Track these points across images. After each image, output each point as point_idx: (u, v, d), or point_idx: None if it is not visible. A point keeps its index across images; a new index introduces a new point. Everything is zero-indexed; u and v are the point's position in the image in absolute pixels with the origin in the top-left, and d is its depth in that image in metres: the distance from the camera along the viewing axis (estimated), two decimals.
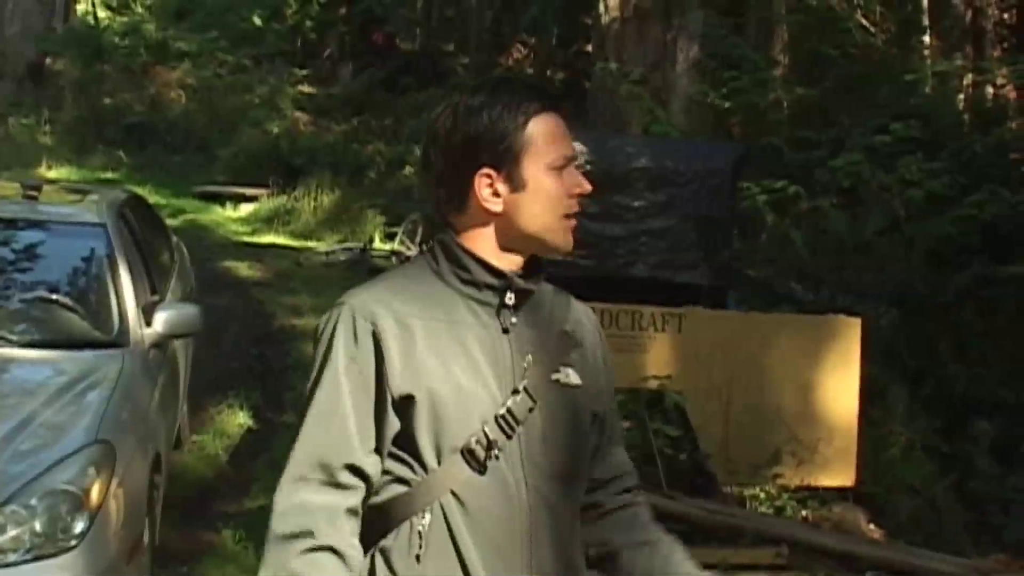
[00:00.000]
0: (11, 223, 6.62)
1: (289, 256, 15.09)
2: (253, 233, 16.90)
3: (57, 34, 24.07)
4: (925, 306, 10.48)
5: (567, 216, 2.46)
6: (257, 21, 24.65)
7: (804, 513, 7.94)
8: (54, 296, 6.04)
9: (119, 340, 5.80)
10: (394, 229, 15.48)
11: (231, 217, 17.96)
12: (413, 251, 13.48)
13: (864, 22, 14.56)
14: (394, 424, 2.38)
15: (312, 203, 17.50)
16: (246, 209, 18.11)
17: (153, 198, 13.94)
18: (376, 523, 2.40)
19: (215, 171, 19.88)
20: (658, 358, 8.10)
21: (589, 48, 18.42)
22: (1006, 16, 16.25)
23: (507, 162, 2.42)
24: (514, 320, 2.45)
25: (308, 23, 24.70)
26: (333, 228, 16.87)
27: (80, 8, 26.02)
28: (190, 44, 23.81)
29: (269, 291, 13.06)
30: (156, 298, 6.46)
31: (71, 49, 23.54)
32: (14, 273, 6.33)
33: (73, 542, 4.56)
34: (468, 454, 2.36)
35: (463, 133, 2.44)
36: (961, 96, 14.22)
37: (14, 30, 23.76)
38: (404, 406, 2.36)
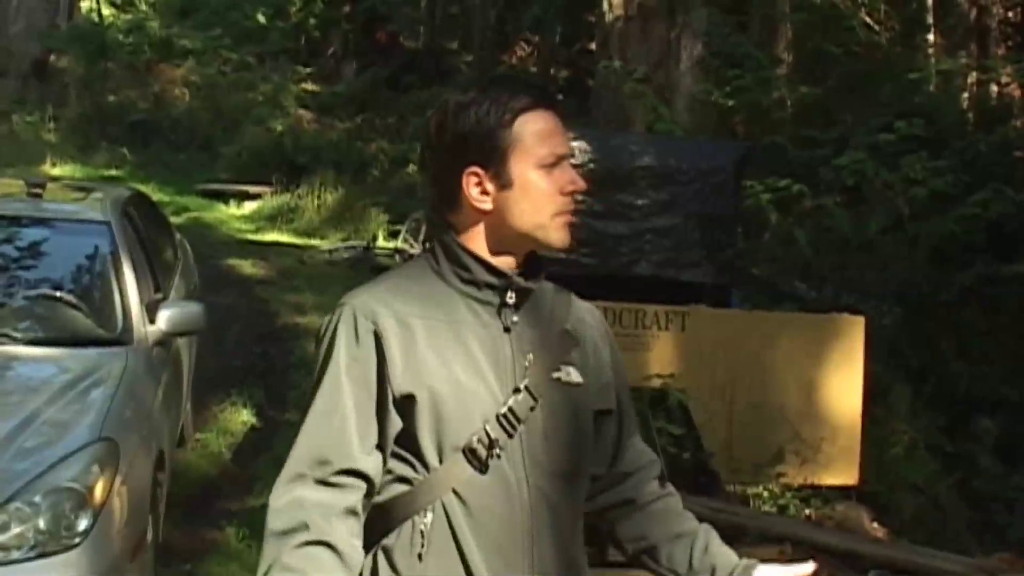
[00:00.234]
0: (15, 220, 6.63)
1: (292, 254, 15.10)
2: (257, 231, 16.92)
3: (61, 31, 24.08)
4: (929, 305, 10.47)
5: (560, 213, 2.45)
6: (261, 19, 24.65)
7: (807, 512, 7.94)
8: (58, 294, 6.05)
9: (123, 338, 5.81)
10: (398, 227, 15.48)
11: (234, 215, 17.97)
12: (416, 249, 13.48)
13: (868, 20, 14.54)
14: (396, 423, 2.38)
15: (316, 201, 17.51)
16: (250, 207, 18.12)
17: (157, 196, 13.94)
18: (378, 522, 2.41)
19: (219, 169, 19.90)
20: (661, 356, 8.10)
21: (593, 46, 18.42)
22: (1010, 14, 16.25)
23: (494, 160, 2.42)
24: (515, 319, 2.45)
25: (312, 21, 24.71)
26: (337, 226, 16.88)
27: (84, 5, 26.03)
28: (194, 42, 23.82)
29: (272, 289, 13.07)
30: (160, 296, 6.47)
31: (75, 46, 23.55)
32: (18, 271, 6.33)
33: (77, 540, 4.57)
34: (470, 453, 2.36)
35: (452, 132, 2.44)
36: (965, 94, 14.22)
37: (18, 27, 23.79)
38: (405, 405, 2.37)
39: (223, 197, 18.51)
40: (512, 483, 2.38)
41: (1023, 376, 9.92)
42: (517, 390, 2.41)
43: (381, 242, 15.69)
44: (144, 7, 26.34)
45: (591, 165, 8.92)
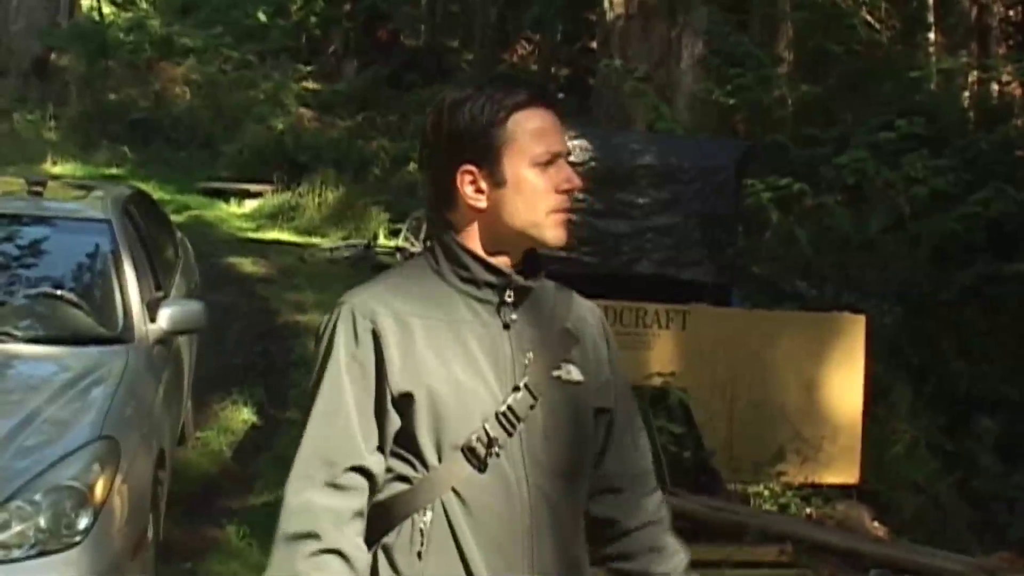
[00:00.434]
0: (16, 219, 6.63)
1: (293, 252, 15.09)
2: (257, 229, 16.91)
3: (62, 30, 24.08)
4: (929, 303, 10.47)
5: (555, 211, 2.44)
6: (262, 17, 24.64)
7: (808, 510, 7.94)
8: (59, 292, 6.04)
9: (123, 336, 5.80)
10: (398, 225, 15.48)
11: (235, 213, 17.97)
12: (417, 247, 13.47)
13: (869, 19, 14.55)
14: (395, 422, 2.38)
15: (316, 199, 17.50)
16: (250, 205, 18.12)
17: (157, 194, 13.94)
18: (379, 520, 2.41)
19: (219, 167, 19.90)
20: (662, 355, 8.10)
21: (594, 45, 18.42)
22: (1011, 13, 16.25)
23: (488, 158, 2.41)
24: (514, 317, 2.45)
25: (312, 19, 24.69)
26: (337, 224, 16.87)
27: (85, 4, 26.02)
28: (195, 40, 23.81)
29: (273, 287, 13.06)
30: (160, 294, 6.46)
31: (76, 45, 23.55)
32: (19, 269, 6.33)
33: (77, 538, 4.57)
34: (469, 452, 2.36)
35: (447, 129, 2.44)
36: (966, 93, 14.22)
37: (19, 26, 23.80)
38: (404, 404, 2.37)
39: (224, 195, 18.50)
40: (512, 482, 2.38)
41: (1023, 375, 9.92)
42: (516, 388, 2.40)
43: (382, 240, 15.69)
44: (145, 5, 26.33)
45: (592, 164, 8.92)
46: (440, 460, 2.37)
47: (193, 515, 7.03)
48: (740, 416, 7.98)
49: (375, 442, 2.39)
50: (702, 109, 13.99)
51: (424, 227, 13.51)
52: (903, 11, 15.45)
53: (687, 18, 14.52)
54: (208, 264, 11.22)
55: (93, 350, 5.65)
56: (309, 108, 22.16)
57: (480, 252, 2.44)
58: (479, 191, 2.43)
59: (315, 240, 16.21)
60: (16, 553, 4.49)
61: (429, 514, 2.36)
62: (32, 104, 22.48)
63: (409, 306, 2.41)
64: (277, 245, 15.63)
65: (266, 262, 14.34)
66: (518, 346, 2.44)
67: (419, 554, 2.36)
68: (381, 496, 2.41)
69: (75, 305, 5.97)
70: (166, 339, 6.14)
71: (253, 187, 18.39)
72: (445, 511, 2.36)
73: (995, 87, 14.47)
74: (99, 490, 4.69)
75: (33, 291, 6.12)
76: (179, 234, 8.68)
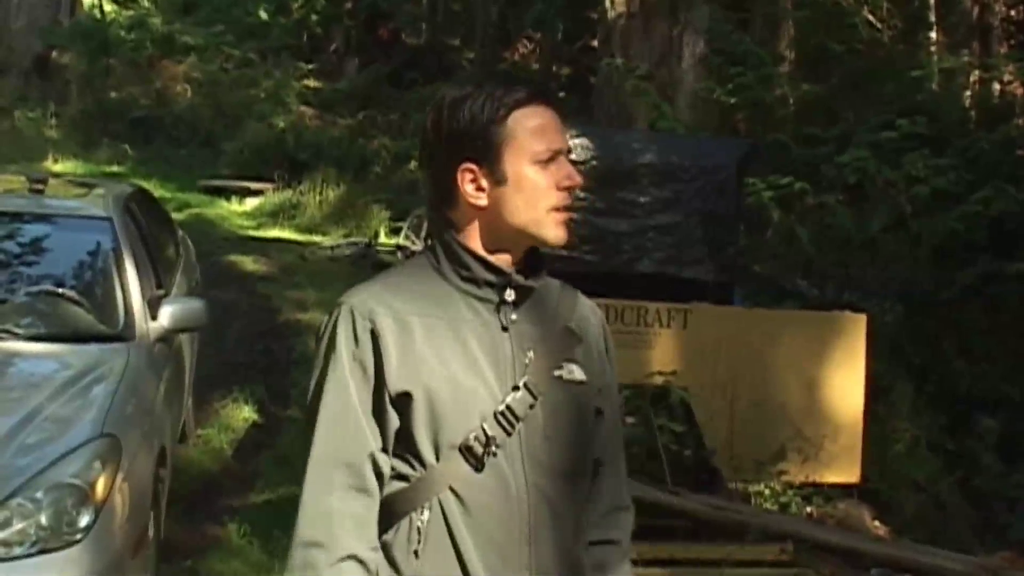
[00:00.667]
0: (17, 216, 6.63)
1: (294, 250, 15.10)
2: (258, 227, 16.92)
3: (63, 28, 24.09)
4: (930, 303, 10.47)
5: (556, 209, 2.43)
6: (263, 15, 24.65)
7: (809, 510, 7.94)
8: (60, 290, 6.04)
9: (124, 334, 5.81)
10: (399, 224, 15.49)
11: (236, 211, 17.98)
12: (418, 246, 13.47)
13: (870, 18, 14.53)
14: (395, 421, 2.39)
15: (317, 197, 17.51)
16: (251, 203, 18.13)
17: (158, 192, 13.94)
18: (379, 518, 2.41)
19: (220, 165, 19.92)
20: (663, 354, 8.10)
21: (595, 44, 18.41)
22: (1013, 12, 16.23)
23: (488, 156, 2.41)
24: (514, 317, 2.45)
25: (314, 17, 24.70)
26: (338, 222, 16.88)
27: (86, 2, 26.01)
28: (196, 38, 23.82)
29: (274, 285, 13.07)
30: (162, 292, 6.46)
31: (77, 43, 23.56)
32: (20, 266, 6.33)
33: (78, 536, 4.57)
34: (467, 451, 2.36)
35: (447, 128, 2.44)
36: (967, 92, 14.20)
37: (20, 24, 23.81)
38: (402, 404, 2.37)
39: (225, 193, 18.51)
40: (510, 481, 2.38)
41: None
42: (516, 388, 2.40)
43: (383, 239, 15.70)
44: (146, 3, 26.32)
45: (593, 162, 8.92)
46: (438, 459, 2.37)
47: (194, 513, 7.03)
48: (741, 415, 7.97)
49: (380, 442, 2.40)
50: (703, 108, 13.98)
51: (425, 225, 13.53)
52: (904, 10, 15.43)
53: (688, 17, 14.51)
54: (209, 262, 11.23)
55: (94, 348, 5.65)
56: (310, 106, 22.17)
57: (480, 251, 2.44)
58: (480, 189, 2.43)
59: (316, 238, 16.22)
60: (17, 551, 4.49)
61: (427, 513, 2.36)
62: (33, 102, 22.49)
63: (409, 305, 2.41)
64: (278, 243, 15.64)
65: (267, 260, 14.35)
66: (518, 345, 2.44)
67: (416, 552, 2.36)
68: (382, 494, 2.41)
69: (76, 303, 5.97)
70: (167, 337, 6.14)
71: (254, 185, 18.41)
72: (443, 510, 2.36)
73: (996, 86, 14.45)
74: (100, 488, 4.69)
75: (34, 289, 6.12)
76: (180, 232, 8.68)
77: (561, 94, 18.98)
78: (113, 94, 22.82)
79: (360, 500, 2.37)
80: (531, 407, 2.40)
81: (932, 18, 14.96)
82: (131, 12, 25.68)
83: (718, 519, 7.12)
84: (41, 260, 6.44)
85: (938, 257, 10.75)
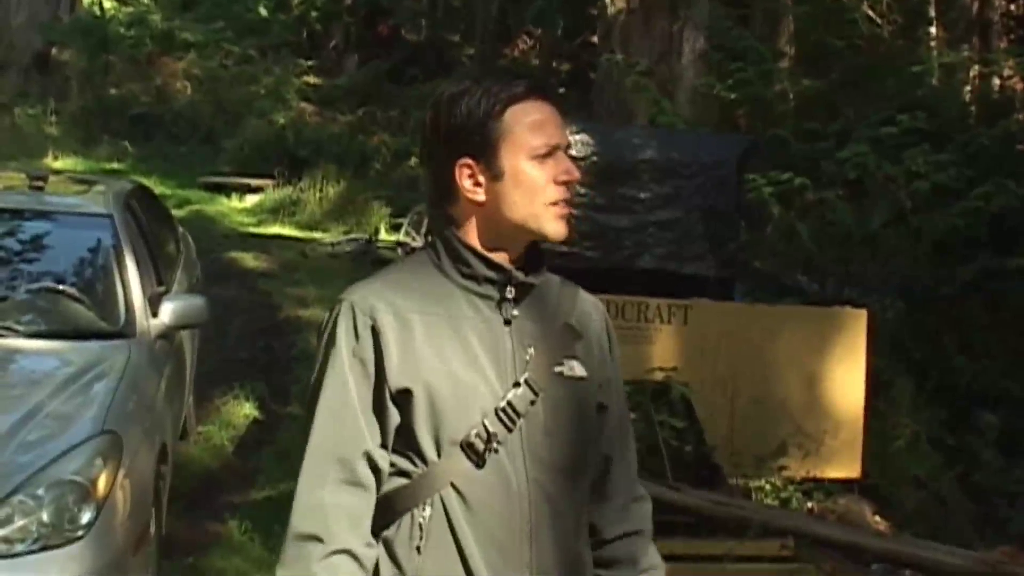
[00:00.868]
0: (17, 213, 6.63)
1: (295, 247, 15.10)
2: (259, 224, 16.91)
3: (63, 24, 24.07)
4: (931, 298, 10.47)
5: (554, 204, 2.43)
6: (263, 12, 24.64)
7: (810, 505, 7.94)
8: (60, 287, 6.05)
9: (125, 331, 5.81)
10: (400, 220, 15.48)
11: (236, 208, 17.97)
12: (418, 242, 13.47)
13: (870, 13, 14.53)
14: (395, 418, 2.39)
15: (318, 194, 17.50)
16: (252, 200, 18.12)
17: (159, 189, 13.93)
18: (380, 514, 2.41)
19: (221, 162, 19.90)
20: (664, 350, 8.10)
21: (595, 39, 18.40)
22: (1013, 7, 16.23)
23: (485, 151, 2.41)
24: (515, 313, 2.45)
25: (314, 14, 24.69)
26: (339, 219, 16.87)
27: None
28: (196, 35, 23.80)
29: (275, 282, 13.07)
30: (162, 289, 6.47)
31: (77, 39, 23.55)
32: (20, 263, 6.34)
33: (80, 532, 4.57)
34: (467, 447, 2.37)
35: (444, 124, 2.44)
36: (968, 88, 14.21)
37: (20, 20, 23.79)
38: (403, 400, 2.37)
39: (225, 190, 18.50)
40: (511, 478, 2.38)
41: None
42: (517, 384, 2.40)
43: (383, 235, 15.69)
44: (146, 0, 26.33)
45: (593, 158, 8.92)
46: (439, 456, 2.37)
47: (195, 510, 7.04)
48: (742, 411, 7.97)
49: (379, 438, 2.40)
50: (703, 104, 13.97)
51: (425, 222, 13.54)
52: (904, 5, 15.43)
53: (688, 12, 14.50)
54: (209, 259, 11.23)
55: (95, 345, 5.65)
56: (310, 103, 22.15)
57: (480, 247, 2.44)
58: (477, 185, 2.43)
59: (316, 235, 16.22)
60: (19, 548, 4.49)
61: (428, 509, 2.37)
62: (33, 99, 22.48)
63: (409, 302, 2.41)
64: (278, 240, 15.64)
65: (267, 257, 14.35)
66: (519, 342, 2.44)
67: (418, 548, 2.37)
68: (383, 490, 2.41)
69: (77, 300, 5.98)
70: (168, 334, 6.15)
71: (254, 182, 18.39)
72: (444, 506, 2.37)
73: (996, 82, 14.46)
74: (101, 485, 4.70)
75: (35, 286, 6.13)
76: (180, 229, 8.68)
77: (561, 90, 18.95)
78: (113, 91, 22.81)
79: (354, 495, 2.37)
80: (532, 403, 2.40)
81: (932, 13, 14.98)
82: (131, 9, 25.66)
83: (719, 515, 7.12)
84: (42, 257, 6.44)
85: (938, 253, 10.74)
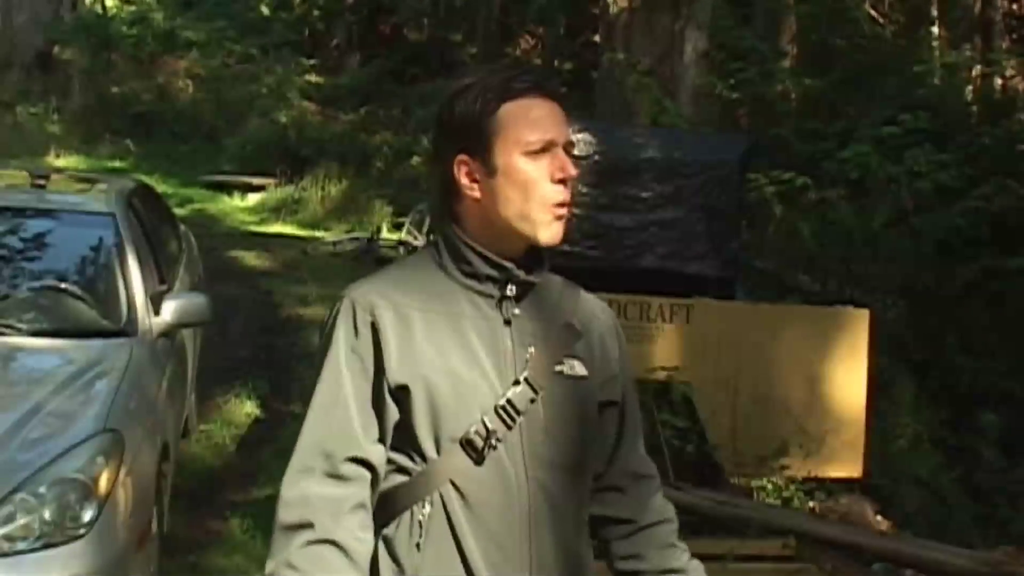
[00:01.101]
0: (20, 212, 6.62)
1: (296, 246, 15.11)
2: (261, 223, 16.93)
3: (65, 23, 24.10)
4: (932, 298, 10.47)
5: (549, 201, 2.41)
6: (265, 11, 24.66)
7: (811, 504, 7.94)
8: (62, 285, 6.04)
9: (127, 329, 5.80)
10: (401, 219, 15.49)
11: (239, 207, 17.99)
12: (420, 241, 13.49)
13: (872, 13, 14.54)
14: (394, 414, 2.39)
15: (319, 193, 17.52)
16: (254, 199, 18.14)
17: (161, 187, 13.92)
18: (380, 511, 2.41)
19: (223, 160, 19.93)
20: (666, 349, 8.10)
21: (597, 39, 18.39)
22: (1015, 7, 16.22)
23: (481, 147, 2.41)
24: (516, 312, 2.44)
25: (315, 13, 24.71)
26: (340, 218, 16.89)
27: None
28: (198, 33, 23.82)
29: (277, 281, 13.08)
30: (164, 287, 6.46)
31: (79, 38, 23.57)
32: (23, 262, 6.33)
33: (82, 530, 4.57)
34: (467, 445, 2.36)
35: (446, 119, 2.45)
36: (970, 87, 14.21)
37: (22, 19, 23.80)
38: (401, 397, 2.37)
39: (227, 189, 18.53)
40: (511, 475, 2.38)
41: None
42: (516, 382, 2.40)
43: (385, 234, 15.70)
44: None
45: (596, 158, 8.92)
46: (439, 453, 2.37)
47: (197, 508, 7.04)
48: (743, 410, 7.98)
49: (375, 434, 2.40)
50: (705, 103, 13.98)
51: (427, 221, 13.55)
52: (906, 5, 15.45)
53: (690, 12, 14.49)
54: (211, 257, 11.23)
55: (97, 343, 5.65)
56: (312, 102, 22.15)
57: (480, 244, 2.43)
58: (474, 181, 2.42)
59: (318, 234, 16.23)
60: (21, 545, 4.49)
61: (428, 507, 2.36)
62: (35, 97, 22.50)
63: (410, 299, 2.41)
64: (280, 238, 15.65)
65: (269, 255, 14.36)
66: (519, 340, 2.43)
67: (418, 545, 2.36)
68: (382, 487, 2.41)
69: (79, 298, 5.97)
70: (170, 332, 6.14)
71: (256, 180, 18.41)
72: (444, 504, 2.36)
73: (998, 81, 14.46)
74: (103, 483, 4.70)
75: (37, 284, 6.12)
76: (183, 227, 8.68)
77: (563, 89, 18.92)
78: (115, 89, 22.83)
79: (340, 488, 2.37)
80: (532, 401, 2.40)
81: (934, 13, 14.98)
82: (133, 7, 25.69)
83: (720, 514, 7.13)
84: (44, 255, 6.43)
85: (940, 252, 10.75)
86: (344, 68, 24.21)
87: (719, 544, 6.61)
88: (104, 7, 24.88)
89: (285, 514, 2.38)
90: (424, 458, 2.38)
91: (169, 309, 6.00)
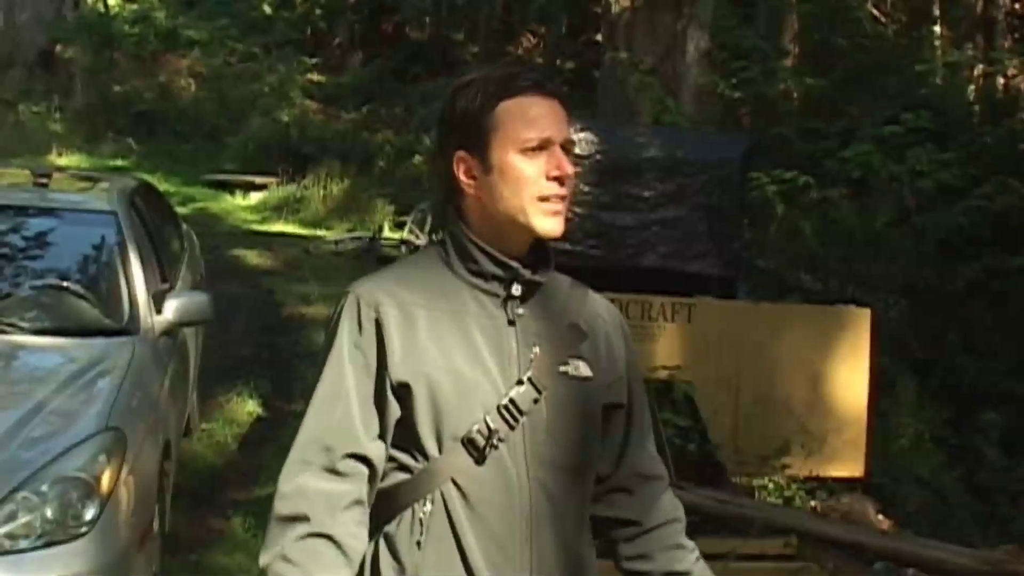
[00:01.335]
0: (22, 210, 6.62)
1: (298, 245, 15.11)
2: (262, 221, 16.94)
3: (67, 21, 24.11)
4: (934, 297, 10.47)
5: (544, 199, 2.41)
6: (267, 9, 24.66)
7: (813, 503, 7.94)
8: (65, 283, 6.05)
9: (129, 328, 5.81)
10: (403, 218, 15.50)
11: (240, 205, 17.99)
12: (422, 240, 13.49)
13: (874, 12, 14.53)
14: (395, 411, 2.39)
15: (321, 192, 17.53)
16: (256, 197, 18.14)
17: (163, 186, 13.94)
18: (381, 509, 2.41)
19: (224, 159, 19.93)
20: (668, 348, 8.10)
21: (599, 38, 18.39)
22: (1017, 6, 16.21)
23: (479, 144, 2.41)
24: (521, 311, 2.44)
25: (318, 11, 24.70)
26: (342, 217, 16.90)
27: None
28: (200, 32, 23.82)
29: (278, 279, 13.08)
30: (166, 286, 6.47)
31: (81, 37, 23.58)
32: (25, 260, 6.33)
33: (84, 529, 4.57)
34: (468, 443, 2.36)
35: (446, 115, 2.46)
36: (971, 87, 14.20)
37: (25, 17, 23.81)
38: (403, 394, 2.37)
39: (229, 187, 18.53)
40: (512, 475, 2.38)
41: None
42: (520, 382, 2.40)
43: (387, 233, 15.70)
44: None
45: (598, 157, 8.92)
46: (440, 451, 2.37)
47: (199, 506, 7.04)
48: (745, 409, 7.98)
49: (376, 430, 2.39)
50: (708, 102, 13.97)
51: (429, 219, 13.54)
52: (909, 4, 15.44)
53: (692, 11, 14.48)
54: (213, 256, 11.24)
55: (99, 341, 5.65)
56: (314, 100, 22.15)
57: (484, 241, 2.43)
58: (472, 178, 2.43)
59: (320, 232, 16.24)
60: (23, 544, 4.50)
61: (429, 505, 2.36)
62: (38, 96, 22.50)
63: (415, 296, 2.41)
64: (282, 237, 15.66)
65: (271, 254, 14.36)
66: (524, 340, 2.43)
67: (418, 543, 2.36)
68: (384, 485, 2.41)
69: (81, 297, 5.98)
70: (172, 331, 6.14)
71: (258, 179, 18.42)
72: (445, 502, 2.36)
73: (1000, 80, 14.44)
74: (105, 481, 4.70)
75: (39, 282, 6.13)
76: (184, 226, 8.69)
77: (565, 88, 18.94)
78: (117, 88, 22.83)
79: (338, 483, 2.37)
80: (535, 401, 2.39)
81: (936, 12, 14.97)
82: (135, 6, 25.69)
83: (722, 513, 7.13)
84: (46, 254, 6.44)
85: (942, 252, 10.75)
86: (346, 67, 24.20)
87: (721, 543, 6.60)
88: (106, 6, 24.89)
89: (281, 506, 2.39)
90: (426, 456, 2.37)
91: (171, 308, 6.01)
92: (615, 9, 15.02)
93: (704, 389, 7.99)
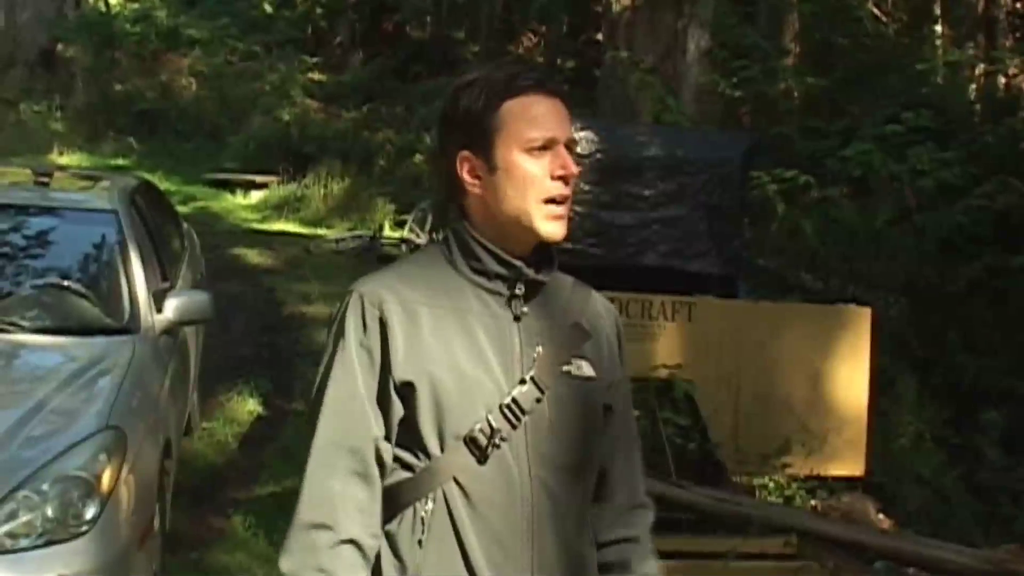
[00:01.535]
0: (23, 209, 6.63)
1: (299, 244, 15.11)
2: (263, 220, 16.94)
3: (68, 21, 24.10)
4: (935, 296, 10.46)
5: (548, 198, 2.41)
6: (268, 8, 24.64)
7: (813, 503, 7.94)
8: (65, 282, 6.05)
9: (130, 326, 5.81)
10: (404, 217, 15.50)
11: (241, 204, 17.99)
12: (423, 239, 13.49)
13: (875, 11, 14.53)
14: (399, 410, 2.39)
15: (322, 191, 17.53)
16: (256, 196, 18.15)
17: (163, 185, 13.95)
18: (383, 507, 2.41)
19: (225, 158, 19.92)
20: (668, 347, 8.09)
21: (600, 37, 18.39)
22: (1018, 5, 16.20)
23: (483, 143, 2.41)
24: (524, 310, 2.44)
25: (318, 10, 24.69)
26: (343, 216, 16.90)
27: None
28: (201, 31, 23.81)
29: (279, 278, 13.08)
30: (167, 285, 6.47)
31: (82, 36, 23.56)
32: (25, 259, 6.34)
33: (84, 528, 4.58)
34: (470, 442, 2.36)
35: (448, 115, 2.46)
36: (973, 86, 14.20)
37: (26, 16, 23.80)
38: (406, 392, 2.37)
39: (230, 186, 18.53)
40: (514, 474, 2.38)
41: None
42: (523, 381, 2.40)
43: (387, 232, 15.71)
44: None
45: (598, 156, 8.90)
46: (442, 450, 2.37)
47: (199, 505, 7.05)
48: (746, 408, 7.97)
49: (383, 430, 2.40)
50: (708, 101, 13.97)
51: (430, 218, 13.54)
52: (910, 3, 15.43)
53: (693, 10, 14.48)
54: (214, 255, 11.25)
55: (100, 340, 5.66)
56: (315, 99, 22.13)
57: (488, 240, 2.43)
58: (476, 177, 2.43)
59: (321, 231, 16.24)
60: (23, 542, 4.50)
61: (431, 503, 2.37)
62: (38, 95, 22.49)
63: (418, 295, 2.41)
64: (283, 236, 15.66)
65: (272, 253, 14.36)
66: (527, 339, 2.43)
67: (420, 542, 2.37)
68: (386, 483, 2.41)
69: (82, 295, 5.99)
70: (172, 330, 6.15)
71: (259, 178, 18.42)
72: (446, 501, 2.36)
73: (1002, 80, 14.44)
74: (106, 480, 4.71)
75: (40, 281, 6.14)
76: (185, 225, 8.69)
77: (566, 87, 18.92)
78: (118, 87, 22.82)
79: (362, 486, 2.38)
80: (538, 401, 2.40)
81: (937, 11, 14.97)
82: (136, 5, 25.68)
83: (722, 512, 7.12)
84: (47, 253, 6.44)
85: (943, 251, 10.74)
86: (347, 66, 24.19)
87: (721, 542, 6.61)
88: (107, 5, 24.89)
89: (308, 512, 2.38)
90: (428, 455, 2.38)
91: (171, 307, 6.02)
92: (616, 8, 15.04)
93: (704, 388, 7.98)
